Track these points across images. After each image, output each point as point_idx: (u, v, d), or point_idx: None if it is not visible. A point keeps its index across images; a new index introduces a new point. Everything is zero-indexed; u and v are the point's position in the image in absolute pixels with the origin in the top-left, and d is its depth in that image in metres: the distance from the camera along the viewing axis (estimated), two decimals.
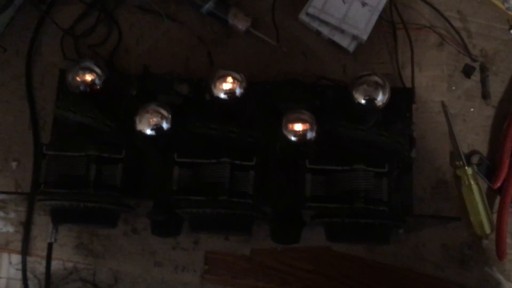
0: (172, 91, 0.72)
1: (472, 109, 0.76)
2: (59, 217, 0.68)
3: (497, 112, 0.76)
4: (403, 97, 0.73)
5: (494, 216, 0.73)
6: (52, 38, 0.78)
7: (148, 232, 0.71)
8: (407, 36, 0.76)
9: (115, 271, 0.75)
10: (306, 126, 0.65)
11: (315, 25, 0.76)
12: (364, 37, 0.75)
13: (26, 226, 0.75)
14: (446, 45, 0.77)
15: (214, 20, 0.78)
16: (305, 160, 0.67)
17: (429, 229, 0.73)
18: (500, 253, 0.72)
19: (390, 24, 0.76)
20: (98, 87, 0.68)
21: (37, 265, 0.75)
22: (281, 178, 0.71)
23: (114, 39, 0.78)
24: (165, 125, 0.66)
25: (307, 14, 0.76)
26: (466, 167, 0.73)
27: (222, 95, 0.66)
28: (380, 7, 0.75)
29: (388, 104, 0.67)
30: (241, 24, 0.76)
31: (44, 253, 0.74)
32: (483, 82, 0.77)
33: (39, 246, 0.75)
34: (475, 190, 0.72)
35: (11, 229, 0.75)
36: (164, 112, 0.66)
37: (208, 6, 0.76)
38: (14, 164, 0.76)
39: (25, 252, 0.74)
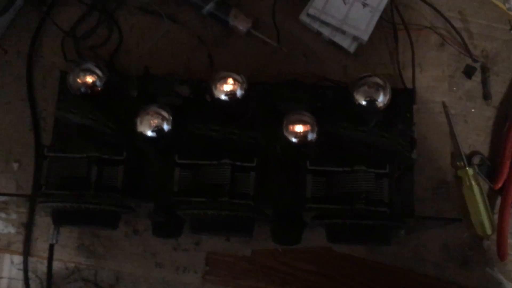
0: (173, 92, 0.71)
1: (473, 110, 0.76)
2: (60, 219, 0.68)
3: (498, 112, 0.76)
4: (404, 97, 0.73)
5: (495, 217, 0.73)
6: (52, 40, 0.78)
7: (149, 233, 0.71)
8: (408, 37, 0.76)
9: (117, 272, 0.75)
10: (307, 127, 0.64)
11: (316, 26, 0.76)
12: (365, 38, 0.75)
13: (28, 227, 0.75)
14: (447, 46, 0.77)
15: (214, 21, 0.78)
16: (306, 161, 0.67)
17: (430, 230, 0.73)
18: (502, 254, 0.72)
19: (391, 24, 0.76)
20: (99, 88, 0.68)
21: (39, 265, 0.75)
22: (282, 179, 0.70)
23: (114, 40, 0.78)
24: (165, 127, 0.66)
25: (308, 15, 0.76)
26: (467, 168, 0.73)
27: (223, 97, 0.66)
28: (381, 7, 0.75)
29: (389, 105, 0.67)
30: (241, 25, 0.76)
31: (46, 254, 0.74)
32: (484, 82, 0.77)
33: (40, 247, 0.75)
34: (476, 190, 0.72)
35: (12, 230, 0.75)
36: (165, 114, 0.66)
37: (209, 7, 0.76)
38: (15, 165, 0.76)
39: (26, 253, 0.74)
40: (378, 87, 0.65)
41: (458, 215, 0.73)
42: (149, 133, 0.65)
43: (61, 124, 0.73)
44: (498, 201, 0.74)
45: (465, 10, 0.78)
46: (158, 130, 0.65)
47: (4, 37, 0.79)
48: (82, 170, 0.67)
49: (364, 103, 0.65)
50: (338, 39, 0.76)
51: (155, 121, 0.65)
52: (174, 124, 0.66)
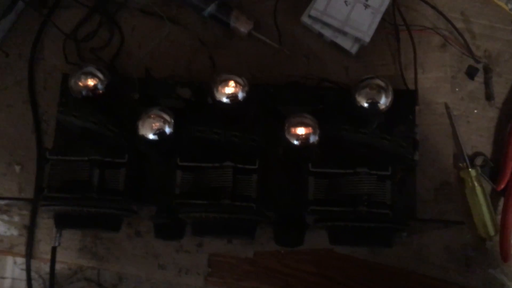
0: (174, 95, 0.71)
1: (475, 111, 0.76)
2: (62, 222, 0.68)
3: (501, 113, 0.76)
4: (406, 99, 0.73)
5: (498, 218, 0.73)
6: (54, 42, 0.78)
7: (152, 235, 0.71)
8: (410, 38, 0.76)
9: (119, 273, 0.75)
10: (309, 130, 0.64)
11: (318, 27, 0.76)
12: (367, 39, 0.74)
13: (30, 229, 0.75)
14: (449, 47, 0.77)
15: (216, 23, 0.77)
16: (308, 163, 0.67)
17: (432, 231, 0.73)
18: (505, 255, 0.72)
19: (392, 25, 0.76)
20: (100, 91, 0.68)
21: (42, 265, 0.75)
22: (284, 181, 0.70)
23: (116, 43, 0.78)
24: (167, 130, 0.66)
25: (309, 16, 0.75)
26: (469, 169, 0.73)
27: (225, 99, 0.66)
28: (383, 9, 0.75)
29: (391, 107, 0.66)
30: (243, 26, 0.76)
31: (48, 256, 0.74)
32: (487, 83, 0.76)
33: (43, 250, 0.75)
34: (479, 192, 0.72)
35: (15, 232, 0.75)
36: (167, 117, 0.66)
37: (210, 9, 0.76)
38: (17, 168, 0.76)
39: (29, 255, 0.75)
40: (380, 89, 0.65)
41: (461, 217, 0.73)
42: (151, 136, 0.65)
43: (63, 127, 0.73)
44: (501, 202, 0.74)
45: (467, 11, 0.78)
46: (160, 133, 0.65)
47: (5, 40, 0.79)
48: (84, 173, 0.67)
49: (366, 105, 0.65)
50: (340, 40, 0.75)
51: (156, 124, 0.65)
52: (175, 127, 0.66)
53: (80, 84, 0.67)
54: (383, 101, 0.65)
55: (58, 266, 0.74)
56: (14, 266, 0.75)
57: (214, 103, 0.67)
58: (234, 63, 0.77)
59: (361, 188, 0.65)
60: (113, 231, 0.70)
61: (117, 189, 0.68)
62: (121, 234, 0.73)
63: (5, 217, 0.76)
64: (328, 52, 0.77)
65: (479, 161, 0.74)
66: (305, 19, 0.76)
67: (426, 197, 0.73)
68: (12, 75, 0.78)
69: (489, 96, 0.76)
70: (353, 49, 0.76)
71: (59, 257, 0.74)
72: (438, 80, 0.76)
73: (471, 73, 0.76)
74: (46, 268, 0.74)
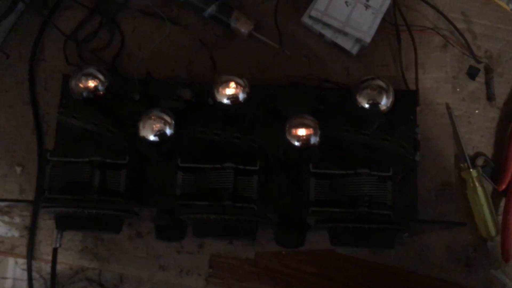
0: (175, 95, 0.71)
1: (476, 111, 0.76)
2: (63, 224, 0.68)
3: (502, 113, 0.76)
4: (407, 99, 0.73)
5: (499, 218, 0.73)
6: (54, 43, 0.78)
7: (153, 236, 0.71)
8: (410, 38, 0.76)
9: (121, 274, 0.75)
10: (310, 131, 0.64)
11: (318, 28, 0.76)
12: (368, 39, 0.74)
13: (31, 231, 0.75)
14: (450, 47, 0.77)
15: (216, 23, 0.77)
16: (309, 164, 0.67)
17: (433, 232, 0.73)
18: (506, 255, 0.72)
19: (393, 26, 0.76)
20: (101, 93, 0.68)
21: (43, 264, 0.75)
22: (285, 182, 0.70)
23: (116, 44, 0.78)
24: (168, 131, 0.66)
25: (310, 17, 0.75)
26: (471, 169, 0.73)
27: (225, 100, 0.66)
28: (384, 9, 0.75)
29: (392, 107, 0.66)
30: (243, 27, 0.76)
31: (49, 257, 0.74)
32: (488, 83, 0.76)
33: (44, 251, 0.75)
34: (480, 192, 0.72)
35: (16, 233, 0.75)
36: (167, 118, 0.66)
37: (211, 9, 0.76)
38: (18, 169, 0.76)
39: (30, 256, 0.75)
40: (381, 90, 0.65)
41: (462, 217, 0.73)
42: (152, 138, 0.65)
43: (64, 128, 0.73)
44: (502, 203, 0.74)
45: (468, 11, 0.78)
46: (161, 134, 0.65)
47: (6, 41, 0.78)
48: (84, 175, 0.67)
49: (367, 106, 0.65)
50: (341, 41, 0.75)
51: (157, 126, 0.65)
52: (176, 128, 0.66)
53: (81, 85, 0.67)
54: (384, 102, 0.65)
55: (59, 266, 0.74)
56: (15, 266, 0.75)
57: (214, 104, 0.67)
58: (234, 63, 0.77)
59: (362, 189, 0.65)
60: (114, 232, 0.70)
61: (118, 190, 0.68)
62: (122, 235, 0.73)
63: (6, 218, 0.76)
64: (328, 52, 0.77)
65: (480, 161, 0.74)
66: (305, 19, 0.76)
67: (427, 198, 0.73)
68: (13, 76, 0.78)
69: (490, 96, 0.76)
70: (354, 49, 0.76)
71: (60, 258, 0.74)
72: (439, 80, 0.76)
73: (472, 73, 0.76)
74: (47, 268, 0.75)
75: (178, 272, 0.74)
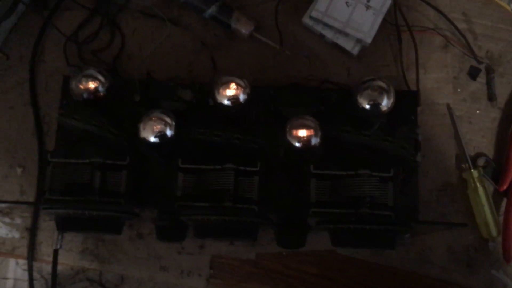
0: (176, 97, 0.71)
1: (478, 111, 0.76)
2: (64, 225, 0.68)
3: (503, 114, 0.76)
4: (408, 100, 0.73)
5: (501, 219, 0.73)
6: (55, 44, 0.78)
7: (154, 237, 0.71)
8: (411, 39, 0.76)
9: (122, 274, 0.75)
10: (310, 132, 0.64)
11: (319, 28, 0.76)
12: (368, 40, 0.74)
13: (32, 232, 0.75)
14: (451, 47, 0.77)
15: (217, 24, 0.77)
16: (310, 165, 0.66)
17: (435, 232, 0.73)
18: (507, 256, 0.72)
19: (394, 26, 0.76)
20: (101, 94, 0.68)
21: (44, 265, 0.75)
22: (286, 183, 0.70)
23: (117, 45, 0.78)
24: (169, 132, 0.66)
25: (311, 17, 0.75)
26: (472, 170, 0.73)
27: (226, 102, 0.66)
28: (384, 9, 0.75)
29: (393, 108, 0.66)
30: (244, 28, 0.76)
31: (50, 258, 0.74)
32: (489, 83, 0.76)
33: (45, 252, 0.75)
34: (481, 192, 0.72)
35: (16, 235, 0.75)
36: (168, 119, 0.66)
37: (211, 10, 0.76)
38: (19, 170, 0.76)
39: (31, 258, 0.75)
40: (381, 91, 0.65)
41: (463, 217, 0.73)
42: (152, 139, 0.65)
43: (64, 130, 0.73)
44: (503, 203, 0.74)
45: (469, 11, 0.77)
46: (161, 135, 0.65)
47: (6, 42, 0.79)
48: (85, 176, 0.67)
49: (367, 107, 0.65)
50: (341, 41, 0.75)
51: (158, 127, 0.65)
52: (177, 130, 0.66)
53: (81, 87, 0.67)
54: (385, 103, 0.65)
55: (60, 267, 0.74)
56: (16, 267, 0.75)
57: (215, 105, 0.67)
58: (235, 64, 0.77)
59: (363, 190, 0.65)
60: (115, 233, 0.70)
61: (118, 191, 0.68)
62: (123, 236, 0.73)
63: (7, 219, 0.76)
64: (329, 53, 0.77)
65: (481, 162, 0.74)
66: (306, 20, 0.76)
67: (428, 198, 0.73)
68: (13, 77, 0.78)
69: (491, 97, 0.76)
70: (355, 50, 0.75)
71: (61, 259, 0.74)
72: (440, 80, 0.76)
73: (473, 73, 0.76)
74: (48, 268, 0.75)
75: (179, 273, 0.74)
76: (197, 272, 0.74)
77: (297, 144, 0.64)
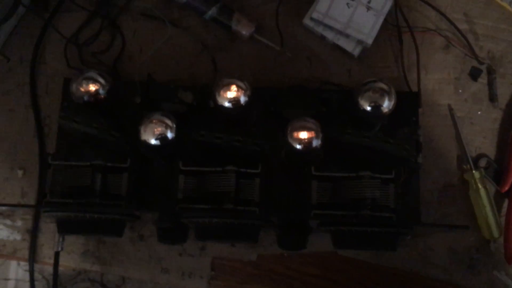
0: (176, 98, 0.71)
1: (479, 112, 0.76)
2: (65, 228, 0.68)
3: (505, 114, 0.75)
4: (409, 101, 0.73)
5: (502, 220, 0.72)
6: (55, 46, 0.78)
7: (155, 239, 0.71)
8: (412, 39, 0.76)
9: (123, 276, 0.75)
10: (312, 134, 0.64)
11: (320, 29, 0.75)
12: (369, 41, 0.74)
13: (33, 234, 0.75)
14: (452, 48, 0.77)
15: (217, 26, 0.77)
16: (311, 167, 0.66)
17: (436, 234, 0.73)
18: (509, 257, 0.72)
19: (395, 27, 0.76)
20: (102, 96, 0.68)
21: (46, 266, 0.75)
22: (287, 185, 0.70)
23: (117, 46, 0.78)
24: (169, 135, 0.65)
25: (311, 19, 0.75)
26: (473, 171, 0.72)
27: (227, 104, 0.65)
28: (385, 10, 0.74)
29: (394, 109, 0.66)
30: (245, 29, 0.76)
31: (51, 261, 0.74)
32: (490, 84, 0.76)
33: (46, 254, 0.75)
34: (482, 193, 0.72)
35: (18, 237, 0.75)
36: (169, 122, 0.66)
37: (212, 12, 0.76)
38: (20, 172, 0.76)
39: (32, 260, 0.75)
40: (382, 92, 0.65)
41: (465, 219, 0.73)
42: (153, 142, 0.65)
43: (65, 132, 0.73)
44: (505, 204, 0.73)
45: (470, 12, 0.77)
46: (162, 138, 0.65)
47: (6, 44, 0.78)
48: (86, 179, 0.67)
49: (369, 108, 0.65)
50: (342, 42, 0.75)
51: (159, 130, 0.65)
52: (177, 132, 0.66)
53: (82, 89, 0.67)
54: (386, 105, 0.65)
55: (61, 268, 0.74)
56: (17, 268, 0.75)
57: (216, 107, 0.67)
58: (236, 66, 0.77)
59: (365, 192, 0.65)
60: (116, 236, 0.70)
61: (119, 194, 0.68)
62: (124, 238, 0.73)
63: (8, 221, 0.76)
64: (330, 54, 0.77)
65: (483, 162, 0.74)
66: (307, 21, 0.76)
67: (429, 199, 0.73)
68: (14, 80, 0.78)
69: (492, 98, 0.76)
70: (356, 51, 0.75)
71: (62, 261, 0.74)
72: (441, 81, 0.76)
73: (474, 74, 0.76)
74: (49, 269, 0.75)
75: (180, 274, 0.74)
76: (198, 274, 0.74)
77: (298, 146, 0.64)
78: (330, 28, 0.75)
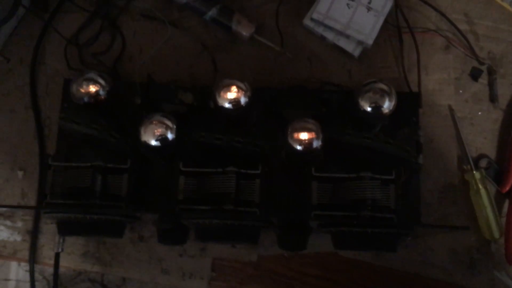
0: (176, 99, 0.71)
1: (479, 113, 0.76)
2: (65, 229, 0.68)
3: (505, 115, 0.75)
4: (409, 101, 0.73)
5: (503, 220, 0.72)
6: (55, 47, 0.78)
7: (155, 240, 0.71)
8: (413, 40, 0.76)
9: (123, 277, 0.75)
10: (312, 135, 0.64)
11: (320, 30, 0.75)
12: (370, 42, 0.74)
13: (33, 235, 0.75)
14: (453, 48, 0.77)
15: (217, 26, 0.77)
16: (311, 168, 0.66)
17: (437, 234, 0.73)
18: (509, 257, 0.71)
19: (395, 28, 0.76)
20: (102, 97, 0.68)
21: (46, 266, 0.75)
22: (287, 186, 0.70)
23: (117, 47, 0.78)
24: (170, 136, 0.65)
25: (312, 19, 0.75)
26: (474, 171, 0.72)
27: (227, 105, 0.65)
28: (385, 11, 0.74)
29: (394, 110, 0.66)
30: (245, 30, 0.76)
31: (52, 261, 0.74)
32: (491, 85, 0.76)
33: (46, 255, 0.75)
34: (483, 194, 0.72)
35: (18, 238, 0.75)
36: (169, 123, 0.66)
37: (212, 12, 0.76)
38: (20, 173, 0.76)
39: (32, 261, 0.75)
40: (383, 93, 0.65)
41: (465, 219, 0.73)
42: (153, 143, 0.65)
43: (65, 133, 0.73)
44: (506, 204, 0.73)
45: (471, 12, 0.77)
46: (162, 139, 0.65)
47: (6, 45, 0.78)
48: (86, 180, 0.67)
49: (369, 109, 0.65)
50: (342, 43, 0.75)
51: (159, 130, 0.65)
52: (178, 133, 0.66)
53: (82, 90, 0.67)
54: (387, 105, 0.65)
55: (61, 269, 0.74)
56: (18, 268, 0.75)
57: (216, 108, 0.67)
58: (236, 66, 0.77)
59: (365, 193, 0.65)
60: (117, 237, 0.70)
61: (119, 195, 0.68)
62: (124, 239, 0.73)
63: (8, 222, 0.76)
64: (330, 55, 0.77)
65: (483, 163, 0.74)
66: (307, 22, 0.76)
67: (430, 200, 0.73)
68: (14, 80, 0.78)
69: (493, 98, 0.76)
70: (356, 52, 0.75)
71: (62, 262, 0.74)
72: (441, 82, 0.76)
73: (475, 74, 0.76)
74: (50, 269, 0.75)
75: (181, 275, 0.74)
76: (199, 275, 0.74)
77: (299, 147, 0.64)
78: (330, 28, 0.75)
